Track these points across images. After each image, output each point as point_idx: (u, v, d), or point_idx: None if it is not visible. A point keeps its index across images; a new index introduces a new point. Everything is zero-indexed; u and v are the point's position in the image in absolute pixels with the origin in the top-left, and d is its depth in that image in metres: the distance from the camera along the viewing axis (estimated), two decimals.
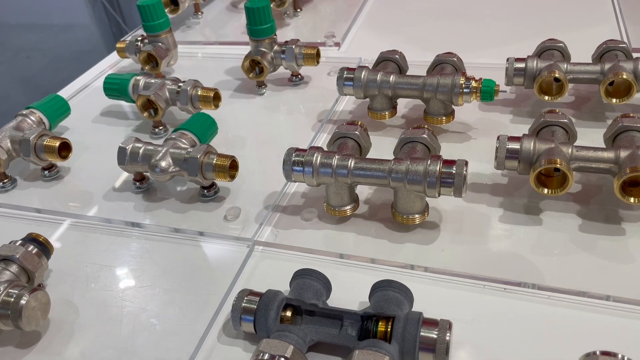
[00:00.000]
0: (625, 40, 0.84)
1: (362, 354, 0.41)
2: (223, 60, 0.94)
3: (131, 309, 0.52)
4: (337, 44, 0.93)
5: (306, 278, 0.48)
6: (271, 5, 0.82)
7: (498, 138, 0.56)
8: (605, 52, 0.69)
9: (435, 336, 0.42)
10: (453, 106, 0.67)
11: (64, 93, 0.89)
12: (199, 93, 0.73)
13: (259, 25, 0.78)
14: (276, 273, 0.54)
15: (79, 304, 0.53)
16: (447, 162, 0.52)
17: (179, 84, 0.74)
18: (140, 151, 0.62)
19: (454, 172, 0.51)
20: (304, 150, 0.56)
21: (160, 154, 0.61)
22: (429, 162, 0.52)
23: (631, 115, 0.57)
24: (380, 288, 0.46)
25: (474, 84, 0.65)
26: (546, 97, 0.68)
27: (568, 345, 0.44)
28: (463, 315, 0.47)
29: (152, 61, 0.85)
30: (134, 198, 0.66)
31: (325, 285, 0.48)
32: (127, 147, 0.63)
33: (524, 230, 0.55)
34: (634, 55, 0.68)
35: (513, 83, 0.70)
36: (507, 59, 0.70)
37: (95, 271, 0.57)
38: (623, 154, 0.53)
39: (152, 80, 0.76)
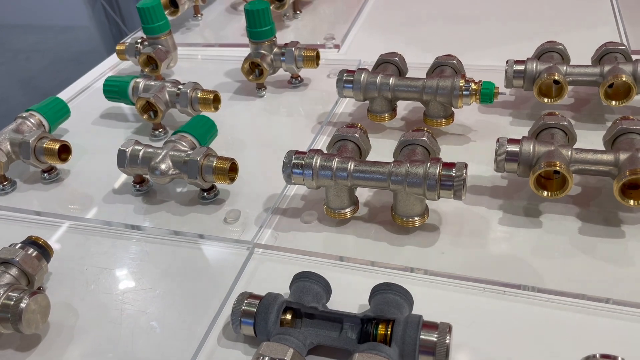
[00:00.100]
0: (625, 42, 0.84)
1: (362, 357, 0.41)
2: (223, 63, 0.94)
3: (131, 311, 0.52)
4: (337, 46, 0.94)
5: (306, 281, 0.48)
6: (271, 8, 0.82)
7: (498, 140, 0.56)
8: (604, 54, 0.69)
9: (435, 339, 0.42)
10: (452, 108, 0.67)
11: (63, 95, 0.89)
12: (198, 95, 0.73)
13: (259, 27, 0.78)
14: (276, 276, 0.54)
15: (79, 307, 0.53)
16: (447, 164, 0.52)
17: (179, 86, 0.74)
18: (140, 154, 0.62)
19: (453, 174, 0.51)
20: (304, 153, 0.56)
21: (160, 156, 0.61)
22: (428, 165, 0.52)
23: (631, 117, 0.57)
24: (380, 291, 0.46)
25: (473, 86, 0.65)
26: (546, 100, 0.68)
27: (568, 348, 0.44)
28: (463, 318, 0.47)
29: (151, 63, 0.85)
30: (134, 200, 0.66)
31: (325, 288, 0.48)
32: (127, 150, 0.63)
33: (524, 232, 0.55)
34: (634, 57, 0.68)
35: (512, 85, 0.70)
36: (507, 61, 0.70)
37: (95, 274, 0.57)
38: (622, 156, 0.53)
39: (152, 83, 0.76)
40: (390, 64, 0.72)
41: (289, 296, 0.48)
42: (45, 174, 0.70)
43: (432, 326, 0.43)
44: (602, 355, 0.39)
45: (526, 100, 0.74)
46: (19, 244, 0.53)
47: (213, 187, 0.64)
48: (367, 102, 0.71)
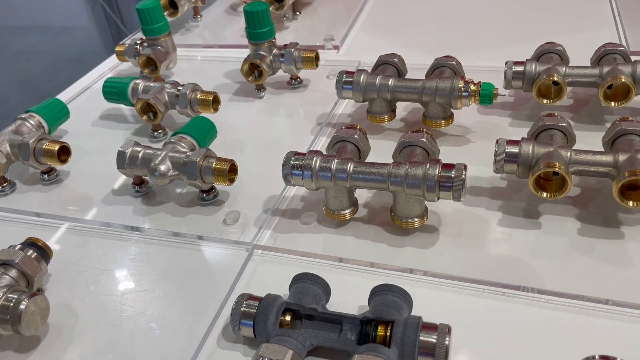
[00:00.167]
0: (624, 43, 0.84)
1: (362, 359, 0.41)
2: (222, 64, 0.94)
3: (130, 313, 0.52)
4: (336, 47, 0.94)
5: (305, 282, 0.48)
6: (270, 9, 0.82)
7: (497, 142, 0.56)
8: (603, 55, 0.69)
9: (434, 340, 0.42)
10: (452, 109, 0.67)
11: (63, 96, 0.89)
12: (198, 96, 0.73)
13: (258, 28, 0.78)
14: (275, 277, 0.54)
15: (78, 308, 0.53)
16: (446, 165, 0.52)
17: (178, 88, 0.74)
18: (140, 155, 0.62)
19: (453, 175, 0.51)
20: (303, 154, 0.56)
21: (160, 157, 0.61)
22: (428, 166, 0.52)
23: (630, 118, 0.57)
24: (380, 292, 0.46)
25: (472, 87, 0.65)
26: (545, 101, 0.68)
27: (567, 349, 0.44)
28: (462, 319, 0.47)
29: (151, 64, 0.85)
30: (133, 202, 0.66)
31: (324, 289, 0.48)
32: (127, 151, 0.63)
33: (523, 233, 0.55)
34: (633, 58, 0.68)
35: (512, 86, 0.70)
36: (506, 63, 0.70)
37: (94, 275, 0.57)
38: (622, 157, 0.53)
39: (152, 84, 0.76)
40: (390, 65, 0.72)
41: (289, 297, 0.48)
42: (45, 175, 0.70)
43: (431, 327, 0.43)
44: (602, 357, 0.39)
45: (525, 102, 0.74)
46: (19, 246, 0.53)
47: (212, 188, 0.64)
48: (367, 103, 0.71)
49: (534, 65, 0.68)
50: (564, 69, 0.68)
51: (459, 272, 0.52)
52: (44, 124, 0.73)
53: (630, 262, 0.51)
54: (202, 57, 0.98)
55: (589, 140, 0.64)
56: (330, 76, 0.85)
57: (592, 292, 0.48)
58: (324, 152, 0.58)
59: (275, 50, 0.81)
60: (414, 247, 0.55)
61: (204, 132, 0.67)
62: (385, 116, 0.70)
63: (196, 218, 0.62)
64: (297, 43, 0.81)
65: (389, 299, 0.45)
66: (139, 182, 0.66)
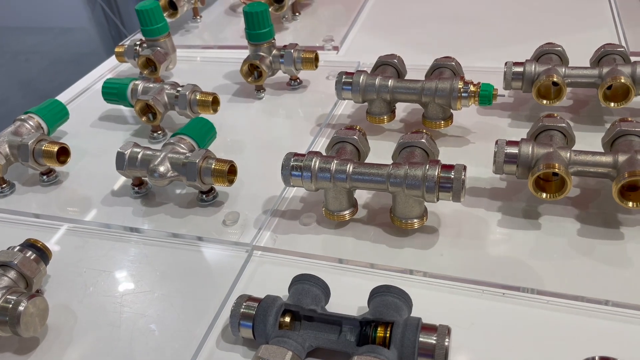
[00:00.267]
0: (623, 44, 0.84)
1: None
2: (222, 65, 0.94)
3: (130, 314, 0.52)
4: (336, 48, 0.94)
5: (305, 283, 0.48)
6: (270, 10, 0.82)
7: (496, 142, 0.56)
8: (603, 56, 0.69)
9: (434, 342, 0.42)
10: (451, 110, 0.67)
11: (62, 97, 0.89)
12: (197, 97, 0.73)
13: (258, 29, 0.78)
14: (275, 278, 0.54)
15: (78, 309, 0.53)
16: (446, 166, 0.52)
17: (178, 89, 0.74)
18: (139, 156, 0.62)
19: (452, 176, 0.51)
20: (303, 155, 0.56)
21: (159, 158, 0.61)
22: (427, 167, 0.52)
23: (629, 119, 0.57)
24: (379, 293, 0.46)
25: (472, 88, 0.65)
26: (544, 101, 0.68)
27: (567, 350, 0.44)
28: (462, 320, 0.47)
29: (150, 65, 0.85)
30: (133, 203, 0.66)
31: (324, 290, 0.48)
32: (126, 152, 0.63)
33: (523, 234, 0.55)
34: (632, 59, 0.68)
35: (511, 87, 0.70)
36: (505, 63, 0.70)
37: (93, 276, 0.57)
38: (621, 158, 0.53)
39: (151, 85, 0.76)
40: (389, 65, 0.72)
41: (288, 299, 0.48)
42: (44, 177, 0.70)
43: (431, 329, 0.43)
44: (602, 358, 0.39)
45: (525, 102, 0.74)
46: (18, 247, 0.53)
47: (212, 189, 0.64)
48: (366, 104, 0.71)
49: (533, 66, 0.68)
50: (563, 69, 0.68)
51: (458, 273, 0.52)
52: (43, 125, 0.73)
53: (630, 263, 0.51)
54: (201, 58, 0.98)
55: (589, 141, 0.64)
56: (329, 77, 0.85)
57: (592, 292, 0.48)
58: (324, 153, 0.58)
59: (274, 51, 0.81)
60: (413, 248, 0.55)
61: (204, 133, 0.67)
62: (385, 117, 0.70)
63: (195, 219, 0.62)
64: (296, 44, 0.81)
65: (388, 300, 0.45)
66: (138, 183, 0.66)
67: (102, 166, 0.71)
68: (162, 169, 0.61)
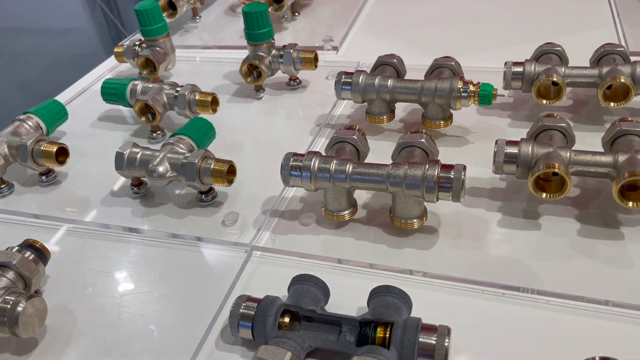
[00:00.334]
0: (623, 43, 0.84)
1: None
2: (221, 65, 0.93)
3: (129, 315, 0.52)
4: (335, 48, 0.93)
5: (304, 284, 0.48)
6: (269, 10, 0.82)
7: (496, 142, 0.56)
8: (603, 55, 0.69)
9: (434, 342, 0.42)
10: (451, 110, 0.67)
11: (62, 97, 0.89)
12: (196, 97, 0.73)
13: (257, 29, 0.78)
14: (274, 278, 0.54)
15: (76, 310, 0.53)
16: (445, 166, 0.52)
17: (177, 89, 0.74)
18: (138, 156, 0.62)
19: (452, 176, 0.51)
20: (302, 155, 0.56)
21: (158, 159, 0.61)
22: (427, 167, 0.52)
23: (629, 119, 0.57)
24: (379, 294, 0.46)
25: (471, 88, 0.65)
26: (544, 101, 0.68)
27: (567, 350, 0.44)
28: (462, 320, 0.47)
29: (149, 65, 0.85)
30: (132, 203, 0.65)
31: (323, 290, 0.48)
32: (125, 152, 0.63)
33: (523, 234, 0.55)
34: (632, 58, 0.68)
35: (511, 87, 0.70)
36: (505, 63, 0.70)
37: (92, 277, 0.57)
38: (621, 158, 0.53)
39: (150, 85, 0.76)
40: (389, 65, 0.72)
41: (287, 299, 0.48)
42: (43, 177, 0.70)
43: (430, 329, 0.42)
44: (602, 358, 0.39)
45: (525, 102, 0.74)
46: (16, 247, 0.53)
47: (211, 189, 0.64)
48: (366, 104, 0.71)
49: (533, 66, 0.68)
50: (563, 69, 0.68)
51: (458, 273, 0.52)
52: (42, 125, 0.73)
53: (631, 263, 0.51)
54: (200, 58, 0.98)
55: (589, 141, 0.64)
56: (329, 77, 0.85)
57: (592, 293, 0.48)
58: (323, 153, 0.57)
59: (274, 51, 0.81)
60: (413, 248, 0.55)
61: (203, 133, 0.67)
62: (385, 117, 0.70)
63: (195, 219, 0.62)
64: (296, 44, 0.81)
65: (388, 300, 0.45)
66: (138, 184, 0.66)
67: (101, 166, 0.71)
68: (161, 169, 0.61)
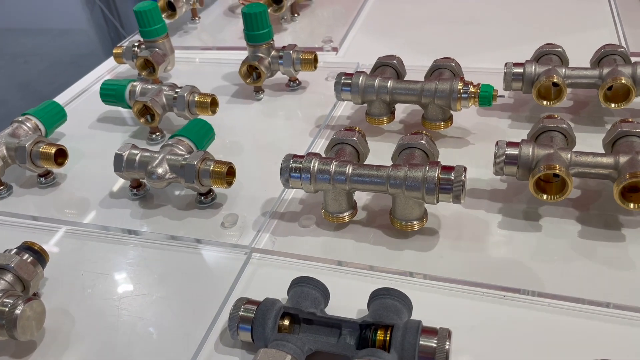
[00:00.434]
0: (624, 44, 0.84)
1: None
2: (220, 66, 0.93)
3: (128, 317, 0.52)
4: (335, 49, 0.93)
5: (304, 286, 0.48)
6: (268, 11, 0.82)
7: (497, 143, 0.56)
8: (603, 56, 0.69)
9: (434, 345, 0.41)
10: (451, 111, 0.67)
11: (60, 98, 0.89)
12: (195, 99, 0.73)
13: (257, 30, 0.78)
14: (274, 281, 0.54)
15: (75, 313, 0.53)
16: (446, 168, 0.52)
17: (176, 90, 0.74)
18: (137, 158, 0.62)
19: (452, 178, 0.51)
20: (302, 157, 0.56)
21: (157, 160, 0.61)
22: (427, 168, 0.51)
23: (630, 120, 0.56)
24: (379, 296, 0.46)
25: (472, 89, 0.64)
26: (545, 102, 0.68)
27: (568, 353, 0.44)
28: (462, 323, 0.47)
29: (149, 67, 0.85)
30: (131, 205, 0.65)
31: (323, 293, 0.48)
32: (124, 154, 0.62)
33: (523, 236, 0.55)
34: (633, 59, 0.68)
35: (511, 88, 0.70)
36: (505, 64, 0.70)
37: (91, 279, 0.56)
38: (622, 159, 0.52)
39: (149, 86, 0.76)
40: (389, 66, 0.72)
41: (287, 302, 0.48)
42: (42, 179, 0.70)
43: (431, 332, 0.42)
44: None
45: (525, 103, 0.74)
46: (14, 250, 0.53)
47: (210, 191, 0.63)
48: (366, 105, 0.71)
49: (533, 67, 0.68)
50: (563, 70, 0.68)
51: (458, 275, 0.51)
52: (41, 126, 0.73)
53: (632, 265, 0.51)
54: (200, 59, 0.98)
55: (589, 142, 0.63)
56: (329, 78, 0.85)
57: (593, 295, 0.48)
58: (323, 155, 0.57)
59: (273, 52, 0.81)
60: (413, 250, 0.55)
61: (202, 134, 0.67)
62: (384, 118, 0.70)
63: (194, 221, 0.62)
64: (295, 45, 0.81)
65: (388, 302, 0.45)
66: (137, 185, 0.66)
67: (100, 168, 0.71)
68: (160, 170, 0.60)
